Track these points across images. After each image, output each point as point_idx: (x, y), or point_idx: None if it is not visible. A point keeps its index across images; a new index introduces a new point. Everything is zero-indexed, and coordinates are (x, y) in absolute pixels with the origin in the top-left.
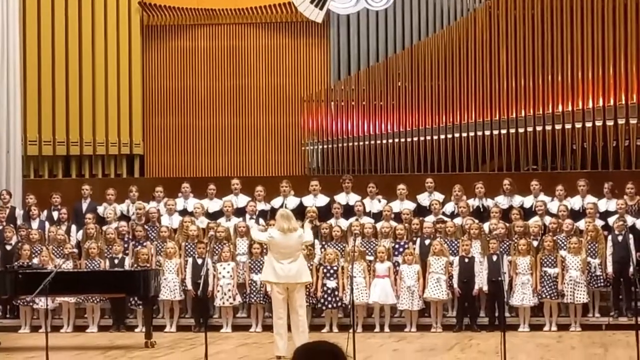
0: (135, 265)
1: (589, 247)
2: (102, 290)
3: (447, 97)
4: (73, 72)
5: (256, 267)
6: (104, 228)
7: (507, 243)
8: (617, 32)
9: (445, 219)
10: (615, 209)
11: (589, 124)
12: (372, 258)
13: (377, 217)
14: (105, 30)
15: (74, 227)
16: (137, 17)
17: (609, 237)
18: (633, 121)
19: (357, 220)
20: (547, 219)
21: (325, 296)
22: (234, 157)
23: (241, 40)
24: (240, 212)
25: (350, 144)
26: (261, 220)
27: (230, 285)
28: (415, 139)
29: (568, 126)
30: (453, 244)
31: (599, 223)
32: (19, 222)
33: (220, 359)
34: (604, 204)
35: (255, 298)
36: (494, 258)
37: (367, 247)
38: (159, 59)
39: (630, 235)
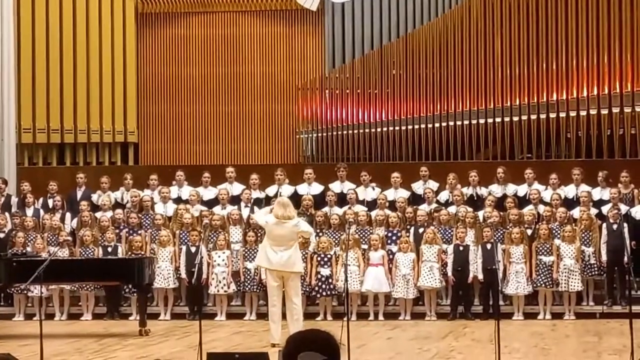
0: (129, 253)
1: (583, 235)
2: (96, 278)
3: (442, 85)
4: (67, 60)
5: (250, 255)
6: (99, 216)
7: (501, 231)
8: (612, 20)
9: (441, 207)
10: (609, 198)
11: (583, 113)
12: (366, 246)
13: (372, 205)
14: (99, 17)
15: (68, 215)
16: (132, 4)
17: (604, 226)
18: (627, 110)
19: (349, 208)
20: (541, 208)
21: (320, 284)
22: (228, 145)
23: (236, 28)
24: (234, 200)
25: (345, 132)
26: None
27: (225, 273)
28: (410, 127)
29: (562, 115)
30: (447, 232)
31: (593, 212)
32: (14, 209)
33: (214, 347)
34: (598, 193)
35: (249, 286)
36: (488, 246)
37: (361, 235)
38: (153, 47)
39: (625, 224)
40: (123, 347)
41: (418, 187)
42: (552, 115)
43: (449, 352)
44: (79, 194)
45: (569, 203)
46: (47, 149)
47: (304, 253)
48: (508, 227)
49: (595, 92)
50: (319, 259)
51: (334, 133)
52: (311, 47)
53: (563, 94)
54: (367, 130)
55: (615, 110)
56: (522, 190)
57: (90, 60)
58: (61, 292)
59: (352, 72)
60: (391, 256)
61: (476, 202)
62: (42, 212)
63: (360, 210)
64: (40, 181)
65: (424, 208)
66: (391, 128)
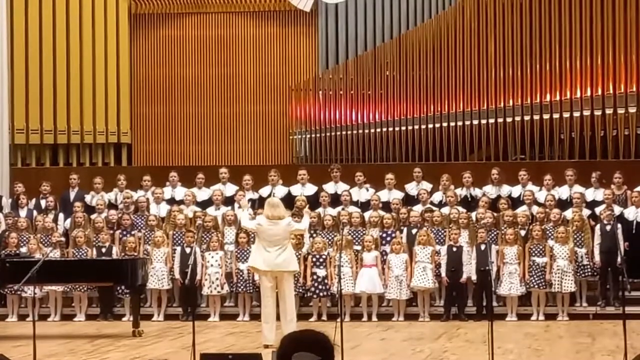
0: (123, 254)
1: (575, 236)
2: (89, 279)
3: (436, 87)
4: (61, 60)
5: (243, 256)
6: (93, 217)
7: (495, 232)
8: (605, 21)
9: (434, 207)
10: (602, 199)
11: (577, 114)
12: (359, 247)
13: (365, 206)
14: (93, 18)
15: (61, 216)
16: (125, 5)
17: (597, 227)
18: (621, 111)
19: (343, 209)
20: (535, 209)
21: (316, 284)
22: (221, 146)
23: (230, 29)
24: (228, 201)
25: (339, 133)
26: (250, 210)
27: (218, 274)
28: (404, 128)
29: (556, 116)
30: (440, 233)
31: (586, 212)
32: (6, 210)
33: (207, 348)
34: (592, 194)
35: (242, 287)
36: (482, 247)
37: (354, 236)
38: (147, 48)
39: (619, 225)
40: (116, 348)
41: (411, 188)
42: (546, 116)
43: (442, 353)
44: (72, 194)
45: (563, 204)
46: (40, 150)
47: (297, 254)
48: (502, 228)
49: (589, 94)
50: (313, 259)
51: (328, 134)
52: (304, 48)
53: (557, 95)
54: (360, 131)
55: (609, 111)
56: (516, 191)
57: (84, 60)
58: (54, 292)
59: (345, 73)
60: (385, 257)
61: (470, 203)
62: (35, 213)
63: (354, 212)
64: (33, 182)
65: (417, 209)
66: (385, 129)
